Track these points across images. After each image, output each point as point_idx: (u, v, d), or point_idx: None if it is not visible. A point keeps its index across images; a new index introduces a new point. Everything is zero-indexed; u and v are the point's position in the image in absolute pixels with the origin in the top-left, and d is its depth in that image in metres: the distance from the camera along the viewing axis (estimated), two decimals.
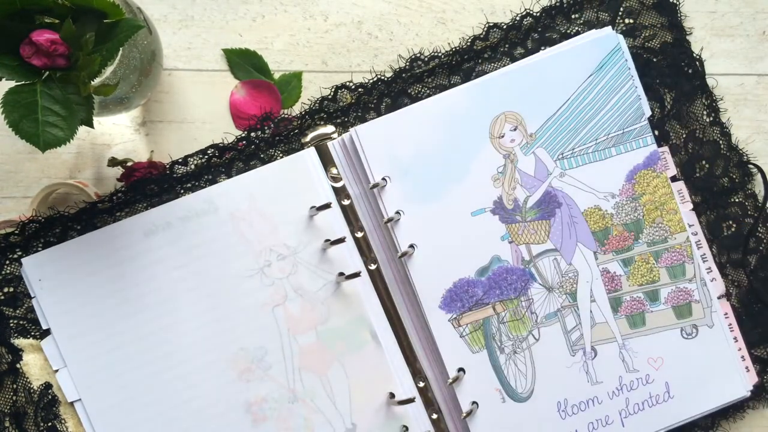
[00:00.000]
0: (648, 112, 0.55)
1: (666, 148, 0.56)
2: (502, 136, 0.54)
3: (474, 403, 0.53)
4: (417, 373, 0.54)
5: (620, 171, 0.55)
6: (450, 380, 0.53)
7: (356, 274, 0.53)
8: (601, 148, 0.54)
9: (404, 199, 0.53)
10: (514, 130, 0.54)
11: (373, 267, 0.54)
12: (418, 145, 0.54)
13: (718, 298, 0.56)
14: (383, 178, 0.53)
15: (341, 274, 0.53)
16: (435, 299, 0.53)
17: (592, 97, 0.54)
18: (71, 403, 0.53)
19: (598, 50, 0.54)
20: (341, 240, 0.53)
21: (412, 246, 0.53)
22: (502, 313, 0.54)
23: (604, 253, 0.55)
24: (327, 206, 0.53)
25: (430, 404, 0.54)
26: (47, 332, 0.53)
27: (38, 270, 0.53)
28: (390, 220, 0.53)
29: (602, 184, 0.55)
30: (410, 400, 0.53)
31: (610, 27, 0.55)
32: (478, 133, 0.54)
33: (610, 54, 0.54)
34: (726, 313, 0.56)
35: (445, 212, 0.54)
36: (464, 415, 0.53)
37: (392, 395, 0.53)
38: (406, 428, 0.53)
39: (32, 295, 0.53)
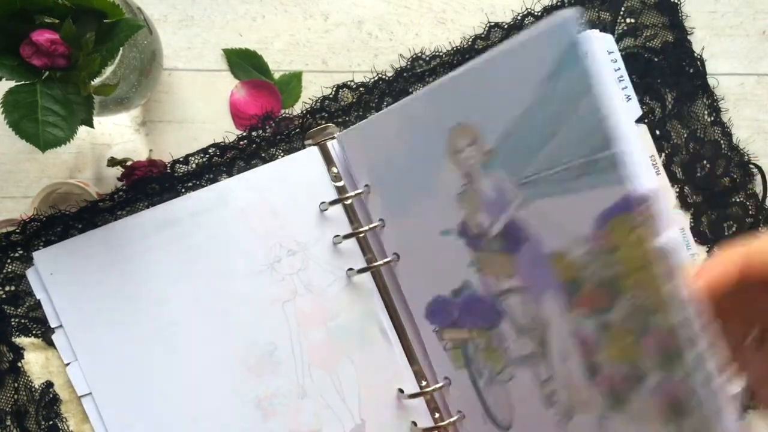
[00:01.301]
0: (627, 141, 0.36)
1: (655, 187, 0.48)
2: (461, 152, 0.44)
3: (459, 412, 0.53)
4: (417, 374, 0.54)
5: (588, 212, 0.38)
6: (439, 384, 0.53)
7: (367, 268, 0.53)
8: (565, 178, 0.39)
9: (384, 209, 0.52)
10: (471, 145, 0.43)
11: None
12: (388, 155, 0.50)
13: None
14: (366, 186, 0.53)
15: (351, 269, 0.53)
16: (420, 308, 0.52)
17: (550, 109, 0.38)
18: (74, 400, 0.54)
19: (552, 46, 0.36)
20: (352, 234, 0.53)
21: (396, 254, 0.53)
22: (477, 340, 0.48)
23: (575, 308, 0.41)
24: (338, 201, 0.53)
25: (430, 403, 0.54)
26: (49, 330, 0.54)
27: (50, 264, 0.53)
28: (375, 227, 0.53)
29: (571, 225, 0.39)
30: (420, 394, 0.53)
31: (572, 10, 0.35)
32: (438, 147, 0.45)
33: (568, 52, 0.36)
34: None
35: (418, 227, 0.49)
36: (452, 419, 0.53)
37: (401, 391, 0.54)
38: (415, 424, 0.53)
39: (40, 290, 0.53)
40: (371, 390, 0.54)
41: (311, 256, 0.54)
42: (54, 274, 0.53)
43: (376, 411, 0.54)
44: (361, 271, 0.53)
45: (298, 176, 0.54)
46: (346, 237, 0.53)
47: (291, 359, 0.54)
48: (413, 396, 0.53)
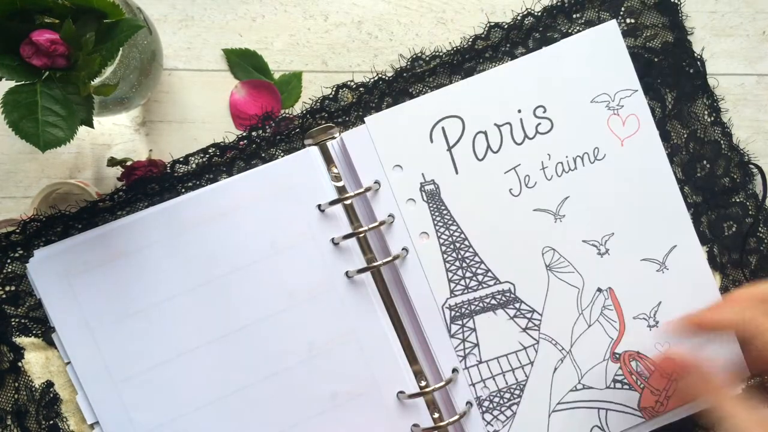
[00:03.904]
0: None
1: None
2: None
3: (468, 403, 0.53)
4: (417, 374, 0.54)
5: None
6: (440, 384, 0.53)
7: (367, 268, 0.53)
8: None
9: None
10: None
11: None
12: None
13: None
14: (375, 182, 0.53)
15: (351, 269, 0.53)
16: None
17: None
18: (74, 400, 0.54)
19: None
20: (352, 234, 0.53)
21: (404, 249, 0.53)
22: None
23: None
24: (338, 201, 0.53)
25: (430, 404, 0.54)
26: (49, 330, 0.54)
27: (50, 263, 0.53)
28: (382, 223, 0.53)
29: None
30: (421, 394, 0.53)
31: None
32: None
33: None
34: None
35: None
36: (452, 420, 0.53)
37: (401, 391, 0.54)
38: (416, 425, 0.53)
39: (40, 290, 0.53)
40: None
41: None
42: (54, 274, 0.53)
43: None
44: (361, 271, 0.53)
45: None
46: (346, 237, 0.53)
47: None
48: (413, 396, 0.53)
